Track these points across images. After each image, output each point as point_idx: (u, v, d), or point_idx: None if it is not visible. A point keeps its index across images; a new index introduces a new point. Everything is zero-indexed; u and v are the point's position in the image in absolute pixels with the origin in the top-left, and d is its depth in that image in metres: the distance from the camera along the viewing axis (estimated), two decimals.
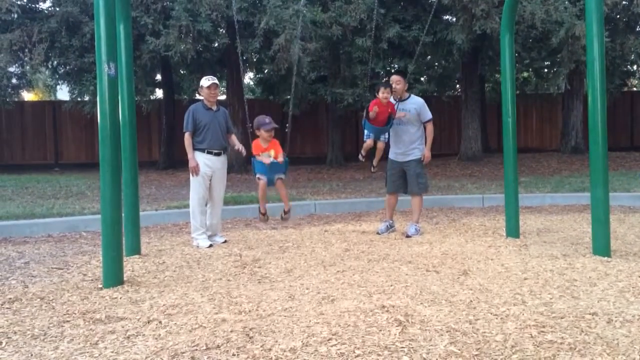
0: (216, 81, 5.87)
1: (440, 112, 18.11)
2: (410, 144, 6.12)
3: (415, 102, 6.16)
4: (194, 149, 5.75)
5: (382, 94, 5.91)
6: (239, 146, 6.01)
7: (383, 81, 6.25)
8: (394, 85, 6.09)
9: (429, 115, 6.18)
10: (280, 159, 5.42)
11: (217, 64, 15.46)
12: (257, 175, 5.49)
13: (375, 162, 6.40)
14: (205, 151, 5.75)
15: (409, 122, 6.09)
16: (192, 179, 5.77)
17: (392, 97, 6.04)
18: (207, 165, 5.75)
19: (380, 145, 6.17)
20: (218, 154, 5.82)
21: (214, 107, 5.88)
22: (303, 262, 4.83)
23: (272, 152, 5.48)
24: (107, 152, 4.16)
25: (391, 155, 6.29)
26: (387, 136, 6.14)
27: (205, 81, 5.81)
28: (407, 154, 6.14)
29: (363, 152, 6.26)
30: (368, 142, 6.12)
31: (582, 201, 8.19)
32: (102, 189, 4.19)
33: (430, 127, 6.19)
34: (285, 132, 6.01)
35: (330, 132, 15.92)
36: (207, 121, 5.75)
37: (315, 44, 11.57)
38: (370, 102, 6.02)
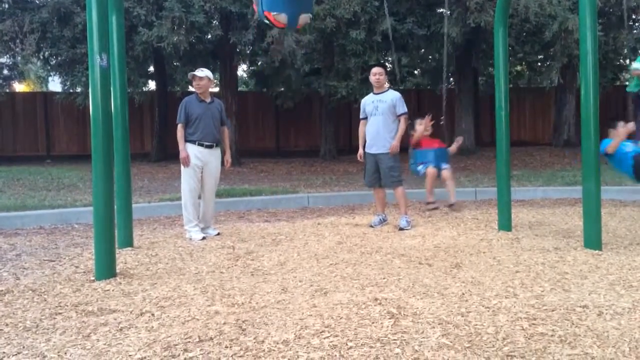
0: (199, 73, 5.76)
1: (432, 106, 18.07)
2: (382, 136, 6.10)
3: (392, 95, 6.18)
4: (187, 140, 5.73)
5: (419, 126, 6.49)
6: (227, 155, 6.06)
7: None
8: (377, 77, 6.15)
9: (403, 109, 6.15)
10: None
11: (210, 56, 15.38)
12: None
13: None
14: (197, 143, 5.72)
15: (383, 113, 6.10)
16: (183, 171, 5.75)
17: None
18: (198, 157, 5.73)
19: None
20: (210, 147, 5.80)
21: (208, 99, 5.85)
22: (296, 255, 4.83)
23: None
24: (99, 144, 4.13)
25: (366, 148, 6.30)
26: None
27: (192, 73, 5.82)
28: (380, 146, 6.13)
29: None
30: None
31: (574, 195, 8.24)
32: (94, 181, 4.17)
33: (404, 121, 6.17)
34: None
35: (323, 125, 15.89)
36: (199, 113, 5.72)
37: (309, 36, 11.54)
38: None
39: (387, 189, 6.41)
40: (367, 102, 6.30)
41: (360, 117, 6.39)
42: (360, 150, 6.35)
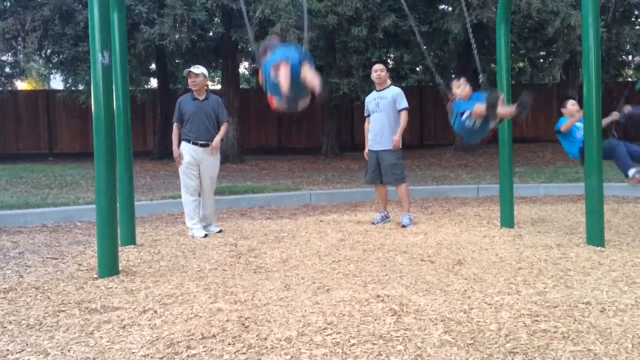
0: (195, 70, 5.74)
1: (435, 102, 18.09)
2: (384, 133, 6.09)
3: (393, 91, 6.18)
4: (182, 139, 5.74)
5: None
6: (216, 141, 5.75)
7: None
8: (378, 73, 6.17)
9: (404, 104, 6.11)
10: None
11: (212, 53, 15.37)
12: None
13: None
14: (191, 142, 5.72)
15: (384, 110, 6.10)
16: (180, 170, 5.77)
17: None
18: (192, 156, 5.72)
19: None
20: (204, 145, 5.76)
21: (201, 97, 5.83)
22: (298, 252, 4.84)
23: None
24: (102, 141, 4.14)
25: (368, 144, 6.30)
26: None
27: (187, 70, 5.80)
28: (382, 142, 6.11)
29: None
30: None
31: (577, 191, 8.22)
32: (96, 178, 4.18)
33: (404, 115, 6.11)
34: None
35: (325, 122, 15.88)
36: (191, 111, 5.71)
37: (310, 33, 11.51)
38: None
39: (389, 186, 6.40)
40: (370, 100, 6.32)
41: (365, 114, 6.40)
42: (366, 149, 6.33)
